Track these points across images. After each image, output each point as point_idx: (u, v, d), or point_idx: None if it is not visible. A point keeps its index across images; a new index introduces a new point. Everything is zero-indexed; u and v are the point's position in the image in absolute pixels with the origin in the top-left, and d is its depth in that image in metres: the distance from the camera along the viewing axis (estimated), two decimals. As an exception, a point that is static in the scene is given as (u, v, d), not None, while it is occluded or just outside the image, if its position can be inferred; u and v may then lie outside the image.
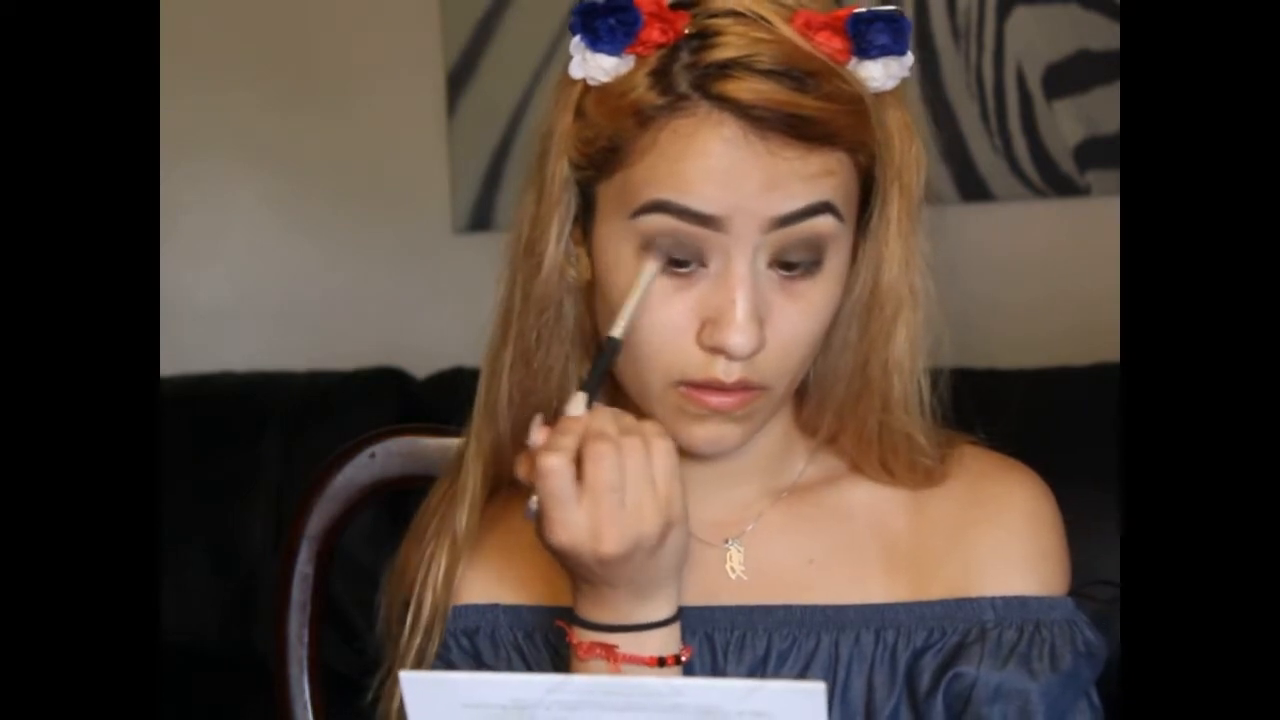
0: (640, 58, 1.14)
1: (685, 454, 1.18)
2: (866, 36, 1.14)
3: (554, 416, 1.15)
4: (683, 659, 1.16)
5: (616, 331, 1.14)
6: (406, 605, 1.26)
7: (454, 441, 1.41)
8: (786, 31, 1.12)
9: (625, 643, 1.14)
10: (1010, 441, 1.27)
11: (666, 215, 1.13)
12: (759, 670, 1.21)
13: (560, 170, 1.17)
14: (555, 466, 1.10)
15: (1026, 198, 2.91)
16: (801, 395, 1.24)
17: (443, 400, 2.66)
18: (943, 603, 1.22)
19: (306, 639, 1.47)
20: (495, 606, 1.27)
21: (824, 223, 1.14)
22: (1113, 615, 1.13)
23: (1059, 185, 2.89)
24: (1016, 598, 1.21)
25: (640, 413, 1.16)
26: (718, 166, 1.12)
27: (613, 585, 1.13)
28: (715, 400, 1.15)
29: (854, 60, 1.14)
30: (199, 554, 2.91)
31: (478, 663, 1.26)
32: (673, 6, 1.14)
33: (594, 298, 1.19)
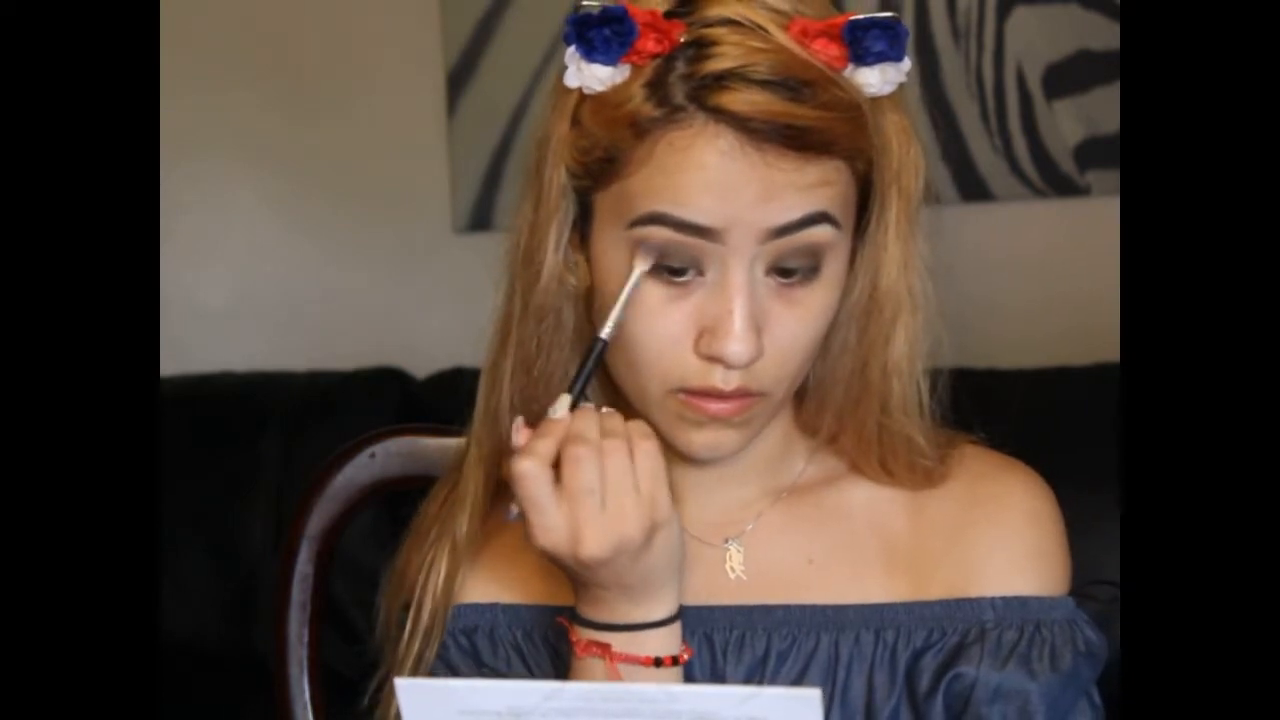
0: (636, 67, 1.13)
1: (684, 457, 1.19)
2: (863, 43, 1.13)
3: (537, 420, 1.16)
4: (681, 660, 1.16)
5: (604, 332, 1.14)
6: (406, 609, 1.26)
7: (454, 441, 1.41)
8: (783, 39, 1.12)
9: (621, 642, 1.14)
10: (1010, 441, 1.27)
11: (663, 227, 1.12)
12: (758, 670, 1.21)
13: (557, 178, 1.17)
14: (528, 471, 1.11)
15: (1026, 198, 2.91)
16: (801, 396, 1.24)
17: (443, 400, 2.66)
18: (943, 603, 1.22)
19: (306, 639, 1.47)
20: (494, 606, 1.27)
21: (821, 232, 1.14)
22: (1113, 615, 1.13)
23: (1059, 185, 2.89)
24: (1017, 598, 1.21)
25: (640, 417, 1.16)
26: (714, 179, 1.11)
27: (603, 586, 1.13)
28: (714, 407, 1.15)
29: (850, 67, 1.14)
30: (199, 554, 2.91)
31: (476, 662, 1.26)
32: (667, 15, 1.14)
33: (593, 304, 1.19)
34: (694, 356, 1.14)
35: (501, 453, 1.23)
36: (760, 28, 1.12)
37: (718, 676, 1.21)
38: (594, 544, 1.11)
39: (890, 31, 1.14)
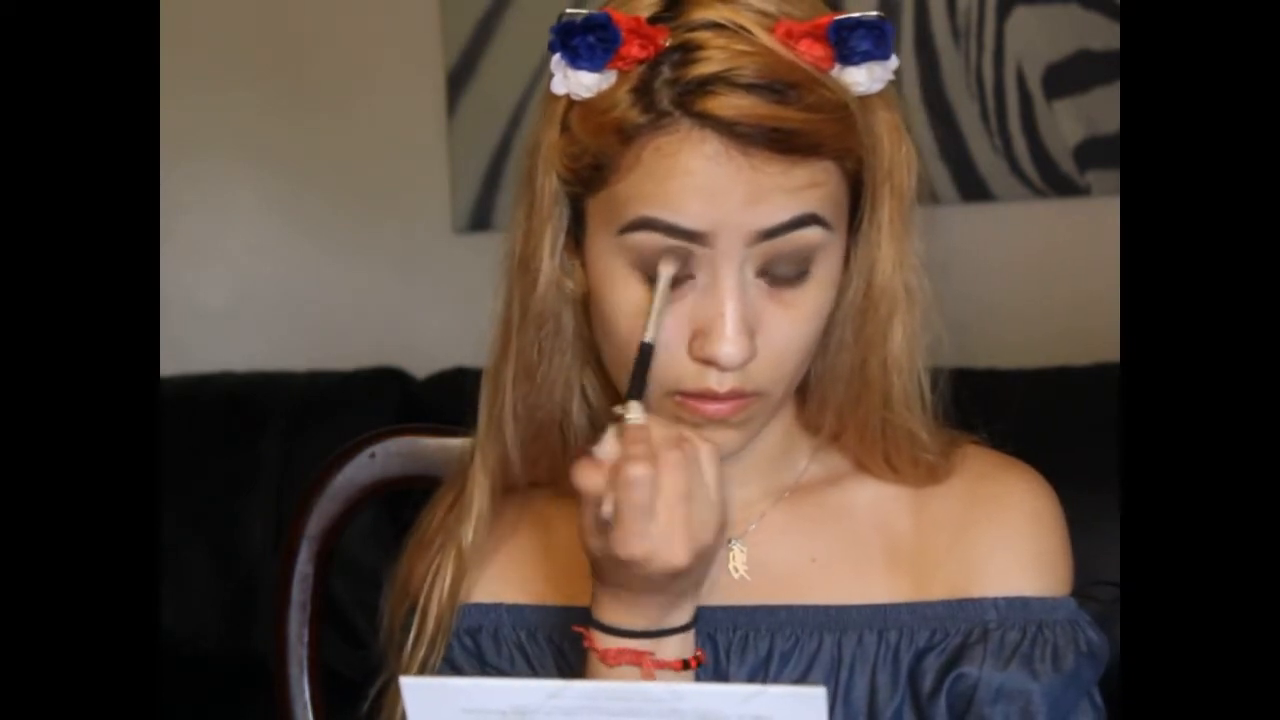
0: (622, 73, 1.13)
1: None
2: (849, 43, 1.13)
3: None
4: (702, 660, 1.16)
5: (648, 336, 1.14)
6: (410, 615, 1.26)
7: (454, 442, 1.41)
8: (768, 41, 1.12)
9: (654, 647, 1.13)
10: (1010, 441, 1.27)
11: (653, 232, 1.12)
12: (761, 670, 1.21)
13: (549, 185, 1.17)
14: (643, 477, 1.08)
15: (1026, 198, 2.91)
16: (803, 395, 1.24)
17: (443, 400, 2.67)
18: (945, 603, 1.22)
19: (306, 639, 1.47)
20: (499, 606, 1.26)
21: (810, 234, 1.14)
22: (1115, 616, 1.13)
23: (1059, 185, 2.89)
24: (1019, 598, 1.21)
25: None
26: (701, 184, 1.11)
27: (660, 592, 1.12)
28: (710, 409, 1.15)
29: (837, 67, 1.14)
30: (199, 554, 2.91)
31: (480, 661, 1.26)
32: (651, 20, 1.13)
33: (591, 309, 1.19)
34: (688, 359, 1.14)
35: (506, 461, 1.23)
36: (745, 30, 1.12)
37: (720, 677, 1.21)
38: (684, 550, 1.09)
39: (876, 30, 1.14)
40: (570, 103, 1.15)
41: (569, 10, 1.15)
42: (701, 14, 1.13)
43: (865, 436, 1.23)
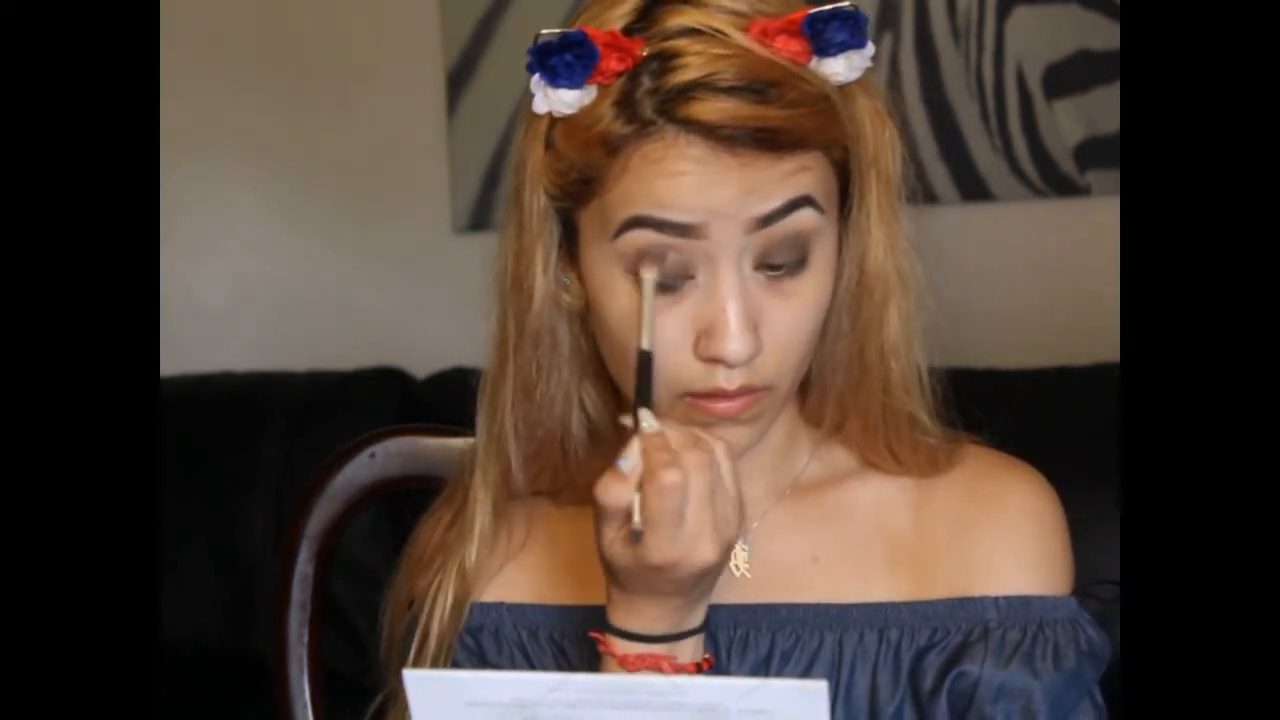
0: (602, 86, 1.13)
1: None
2: (824, 35, 1.13)
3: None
4: (711, 663, 1.16)
5: (644, 344, 1.14)
6: (410, 634, 1.26)
7: (455, 442, 1.41)
8: (744, 41, 1.12)
9: (672, 650, 1.14)
10: (1010, 441, 1.27)
11: (646, 230, 1.12)
12: (762, 669, 1.22)
13: (537, 202, 1.17)
14: (677, 483, 1.08)
15: (1026, 198, 2.91)
16: (804, 387, 1.24)
17: (443, 400, 2.66)
18: (946, 602, 1.22)
19: (306, 639, 1.47)
20: (500, 605, 1.26)
21: (805, 216, 1.14)
22: (1116, 614, 1.13)
23: (1059, 185, 2.89)
24: (1020, 597, 1.21)
25: None
26: (691, 181, 1.11)
27: (686, 594, 1.12)
28: (721, 407, 1.15)
29: (814, 59, 1.14)
30: (199, 554, 2.91)
31: (481, 660, 1.26)
32: (626, 32, 1.13)
33: (590, 320, 1.19)
34: (694, 360, 1.14)
35: (507, 478, 1.22)
36: (721, 33, 1.12)
37: (721, 675, 1.21)
38: (712, 549, 1.10)
39: (851, 20, 1.14)
40: (553, 120, 1.15)
41: (544, 31, 1.15)
42: (675, 20, 1.13)
43: (867, 424, 1.23)
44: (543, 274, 1.18)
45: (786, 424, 1.24)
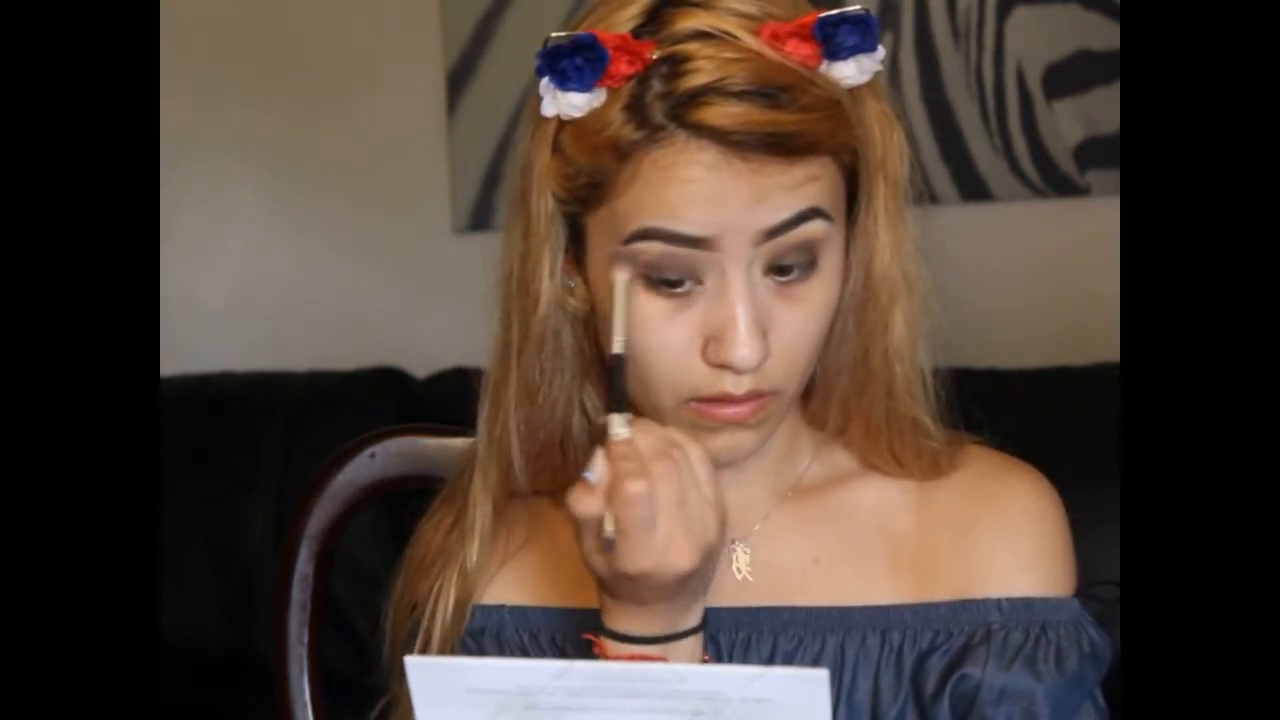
0: (611, 90, 1.13)
1: None
2: (835, 39, 1.13)
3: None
4: (708, 661, 1.16)
5: (616, 348, 1.13)
6: (412, 638, 1.26)
7: (455, 442, 1.41)
8: (755, 45, 1.11)
9: (668, 651, 1.13)
10: (1011, 442, 1.27)
11: (657, 241, 1.12)
12: (762, 671, 1.21)
13: (545, 206, 1.17)
14: (641, 493, 1.08)
15: (1026, 198, 2.91)
16: (808, 389, 1.23)
17: (443, 400, 2.66)
18: (948, 604, 1.22)
19: (306, 639, 1.47)
20: (501, 608, 1.26)
21: (814, 228, 1.13)
22: (1116, 616, 1.13)
23: (1059, 185, 2.89)
24: (1022, 599, 1.21)
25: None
26: (702, 190, 1.11)
27: (672, 599, 1.12)
28: (728, 412, 1.15)
29: (825, 63, 1.13)
30: (199, 554, 2.91)
31: (481, 662, 1.26)
32: (636, 35, 1.13)
33: (595, 324, 1.19)
34: (703, 365, 1.14)
35: (509, 480, 1.22)
36: (731, 36, 1.11)
37: (721, 672, 1.21)
38: (688, 555, 1.09)
39: (861, 24, 1.14)
40: (561, 123, 1.15)
41: (553, 34, 1.14)
42: (686, 24, 1.12)
43: (870, 428, 1.23)
44: (549, 278, 1.18)
45: (789, 427, 1.24)
